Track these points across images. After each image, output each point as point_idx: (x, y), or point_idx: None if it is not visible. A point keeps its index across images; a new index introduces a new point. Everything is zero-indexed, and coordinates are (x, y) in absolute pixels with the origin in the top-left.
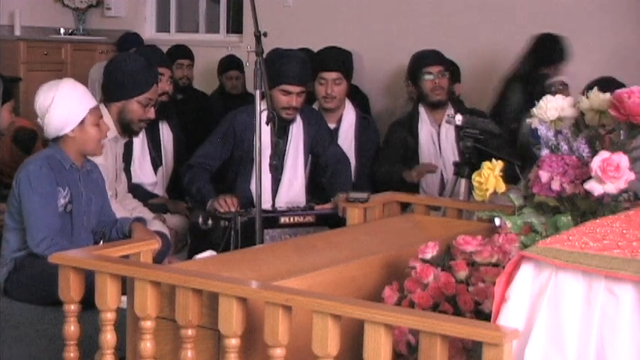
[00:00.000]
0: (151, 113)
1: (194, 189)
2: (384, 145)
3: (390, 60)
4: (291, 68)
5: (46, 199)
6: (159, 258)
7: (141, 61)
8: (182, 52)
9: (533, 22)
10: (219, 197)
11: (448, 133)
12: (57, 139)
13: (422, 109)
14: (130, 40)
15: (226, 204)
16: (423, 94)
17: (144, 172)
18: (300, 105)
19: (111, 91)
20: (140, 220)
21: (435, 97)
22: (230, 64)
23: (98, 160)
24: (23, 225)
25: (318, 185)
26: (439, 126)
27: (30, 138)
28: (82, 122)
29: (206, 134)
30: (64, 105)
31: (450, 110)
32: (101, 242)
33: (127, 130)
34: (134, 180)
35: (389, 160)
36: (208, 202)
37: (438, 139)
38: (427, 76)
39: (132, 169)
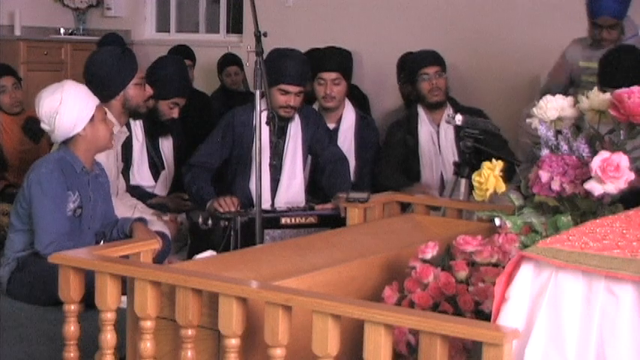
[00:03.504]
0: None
1: (194, 190)
2: (384, 147)
3: (390, 60)
4: (290, 68)
5: (56, 203)
6: (159, 258)
7: (113, 50)
8: (183, 52)
9: (534, 22)
10: (218, 198)
11: (447, 133)
12: (66, 141)
13: (420, 110)
14: (110, 43)
15: (226, 204)
16: (420, 96)
17: (142, 176)
18: (298, 105)
19: (106, 89)
20: (141, 220)
21: (432, 98)
22: (228, 60)
23: (101, 159)
24: (30, 226)
25: (318, 185)
26: (438, 126)
27: (39, 127)
28: (92, 119)
29: (207, 135)
30: (73, 104)
31: (449, 110)
32: (102, 242)
33: (135, 115)
34: (132, 182)
35: (390, 163)
36: (208, 204)
37: (437, 139)
38: (424, 77)
39: (131, 172)
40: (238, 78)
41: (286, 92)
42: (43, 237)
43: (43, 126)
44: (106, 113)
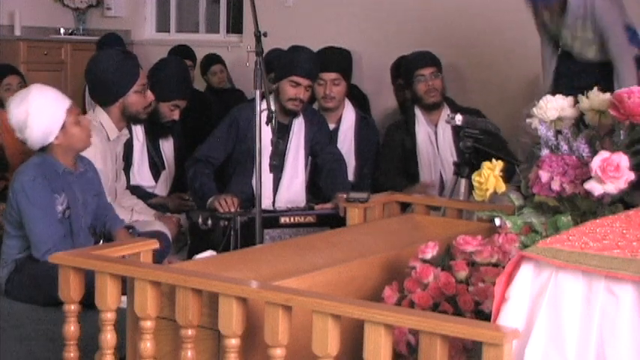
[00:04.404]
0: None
1: (197, 184)
2: (383, 150)
3: (389, 60)
4: (303, 61)
5: (44, 209)
6: (158, 258)
7: (116, 55)
8: (183, 52)
9: (533, 22)
10: (219, 196)
11: (445, 134)
12: (43, 148)
13: (417, 111)
14: (109, 43)
15: (226, 204)
16: (417, 97)
17: (142, 177)
18: (306, 99)
19: (105, 95)
20: (131, 227)
21: (429, 99)
22: (211, 60)
23: (97, 165)
24: (23, 233)
25: (318, 185)
26: (435, 126)
27: None
28: (64, 126)
29: (207, 135)
30: (41, 116)
31: (447, 110)
32: (101, 241)
33: (134, 121)
34: (132, 183)
35: (389, 165)
36: (209, 200)
37: (435, 140)
38: (420, 79)
39: (131, 172)
40: (223, 76)
41: (297, 84)
42: (39, 245)
43: (17, 135)
44: (79, 113)
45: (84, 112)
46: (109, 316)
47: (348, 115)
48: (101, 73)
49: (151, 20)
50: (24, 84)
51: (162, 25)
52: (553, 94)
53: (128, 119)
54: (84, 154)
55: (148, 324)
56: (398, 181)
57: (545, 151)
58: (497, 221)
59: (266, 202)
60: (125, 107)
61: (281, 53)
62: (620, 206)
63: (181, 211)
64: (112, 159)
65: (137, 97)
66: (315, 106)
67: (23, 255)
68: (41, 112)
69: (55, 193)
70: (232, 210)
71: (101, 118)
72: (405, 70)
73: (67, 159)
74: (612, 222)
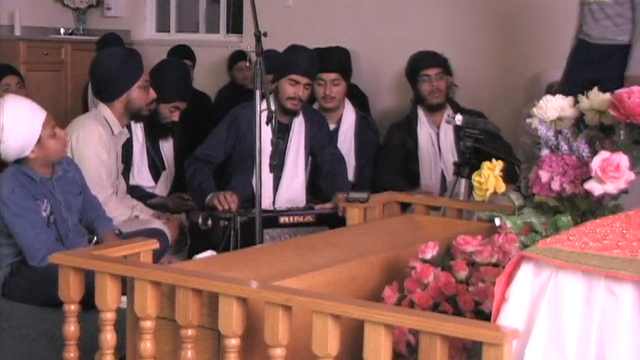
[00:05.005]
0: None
1: (195, 183)
2: (384, 149)
3: (389, 60)
4: (301, 59)
5: (30, 218)
6: (156, 256)
7: (121, 51)
8: (183, 52)
9: (534, 21)
10: (218, 193)
11: (447, 135)
12: (19, 160)
13: (420, 112)
14: (109, 43)
15: (226, 201)
16: (421, 97)
17: (142, 177)
18: (306, 98)
19: (109, 89)
20: (119, 232)
21: (433, 100)
22: (238, 56)
23: (101, 157)
24: (14, 240)
25: (318, 185)
26: (438, 127)
27: None
28: (40, 140)
29: (207, 134)
30: (16, 130)
31: (449, 111)
32: (94, 239)
33: (136, 118)
34: (132, 183)
35: (389, 166)
36: (208, 197)
37: (437, 141)
38: (425, 79)
39: (131, 173)
40: (249, 73)
41: (296, 83)
42: (34, 254)
43: None
44: (54, 125)
45: (86, 110)
46: (109, 316)
47: (349, 115)
48: (106, 69)
49: (150, 20)
50: (22, 84)
51: (162, 25)
52: (565, 83)
53: (131, 115)
54: (87, 147)
55: (148, 324)
56: (398, 182)
57: (545, 151)
58: (497, 221)
59: (266, 202)
60: (129, 102)
61: (277, 54)
62: (620, 206)
63: (181, 211)
64: (114, 152)
65: (141, 93)
66: (315, 106)
67: (18, 259)
68: (16, 127)
69: (37, 200)
70: (232, 206)
71: (104, 113)
72: (409, 69)
73: (43, 170)
74: (612, 222)
